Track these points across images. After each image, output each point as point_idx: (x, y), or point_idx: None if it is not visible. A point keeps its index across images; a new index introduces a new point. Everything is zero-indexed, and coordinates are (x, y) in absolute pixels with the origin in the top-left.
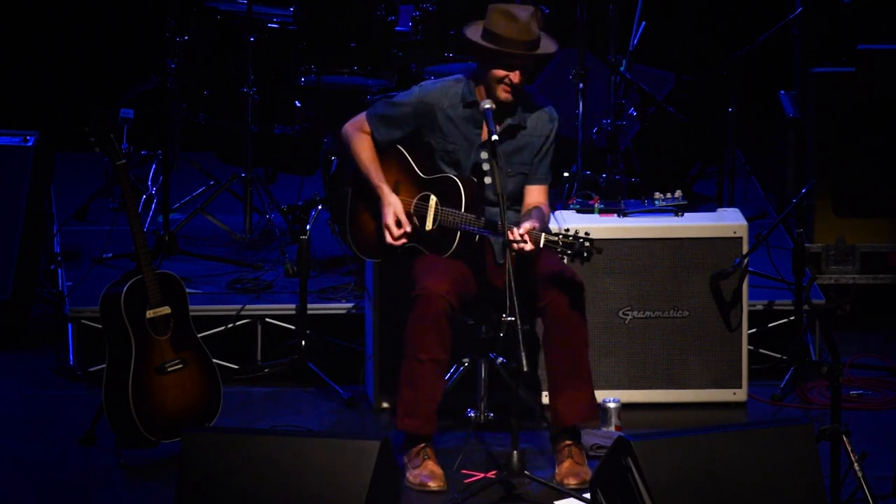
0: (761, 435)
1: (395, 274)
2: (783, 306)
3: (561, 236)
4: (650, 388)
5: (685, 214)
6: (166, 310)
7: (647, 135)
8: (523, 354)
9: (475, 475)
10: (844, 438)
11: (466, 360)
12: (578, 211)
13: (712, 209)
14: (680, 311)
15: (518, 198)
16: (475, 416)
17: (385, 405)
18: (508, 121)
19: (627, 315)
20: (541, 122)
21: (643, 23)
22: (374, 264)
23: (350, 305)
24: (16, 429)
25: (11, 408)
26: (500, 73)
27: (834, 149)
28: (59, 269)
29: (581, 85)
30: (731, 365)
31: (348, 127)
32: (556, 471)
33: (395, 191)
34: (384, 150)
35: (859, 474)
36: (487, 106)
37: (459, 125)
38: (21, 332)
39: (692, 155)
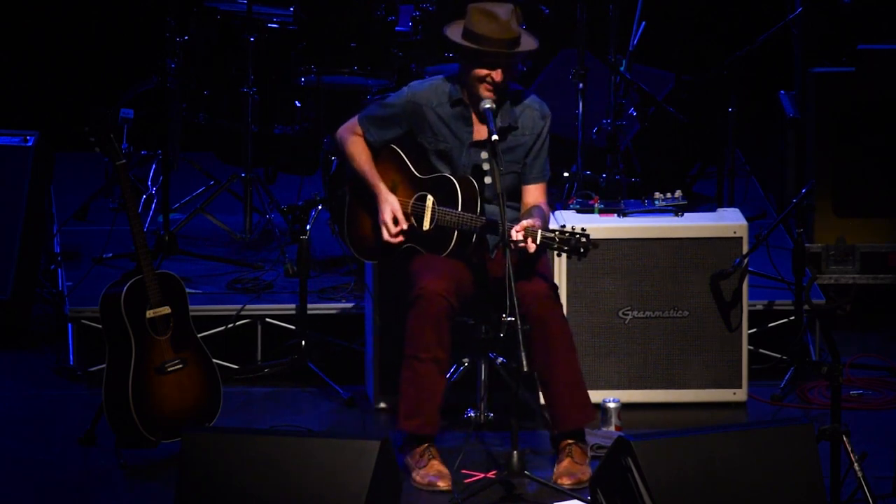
0: (761, 435)
1: (395, 274)
2: (783, 306)
3: (557, 232)
4: (650, 388)
5: (685, 214)
6: (166, 310)
7: (647, 135)
8: (523, 354)
9: (475, 475)
10: (844, 438)
11: (466, 360)
12: (578, 211)
13: (712, 209)
14: (680, 311)
15: (513, 195)
16: (475, 416)
17: (383, 405)
18: (499, 122)
19: (627, 315)
20: (532, 120)
21: (643, 23)
22: (373, 264)
23: (350, 305)
24: (16, 429)
25: (11, 408)
26: (482, 72)
27: (834, 149)
28: (59, 269)
29: (581, 85)
30: (731, 365)
31: (341, 131)
32: (554, 470)
33: (393, 191)
34: (379, 151)
35: (859, 474)
36: (488, 106)
37: (449, 123)
38: (21, 332)
39: (692, 155)
